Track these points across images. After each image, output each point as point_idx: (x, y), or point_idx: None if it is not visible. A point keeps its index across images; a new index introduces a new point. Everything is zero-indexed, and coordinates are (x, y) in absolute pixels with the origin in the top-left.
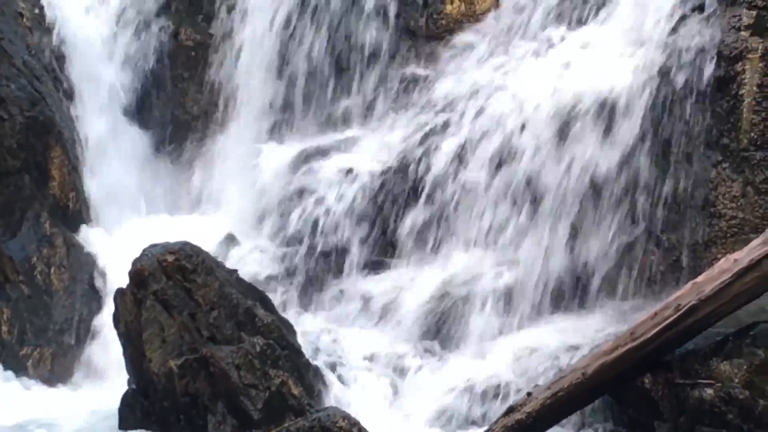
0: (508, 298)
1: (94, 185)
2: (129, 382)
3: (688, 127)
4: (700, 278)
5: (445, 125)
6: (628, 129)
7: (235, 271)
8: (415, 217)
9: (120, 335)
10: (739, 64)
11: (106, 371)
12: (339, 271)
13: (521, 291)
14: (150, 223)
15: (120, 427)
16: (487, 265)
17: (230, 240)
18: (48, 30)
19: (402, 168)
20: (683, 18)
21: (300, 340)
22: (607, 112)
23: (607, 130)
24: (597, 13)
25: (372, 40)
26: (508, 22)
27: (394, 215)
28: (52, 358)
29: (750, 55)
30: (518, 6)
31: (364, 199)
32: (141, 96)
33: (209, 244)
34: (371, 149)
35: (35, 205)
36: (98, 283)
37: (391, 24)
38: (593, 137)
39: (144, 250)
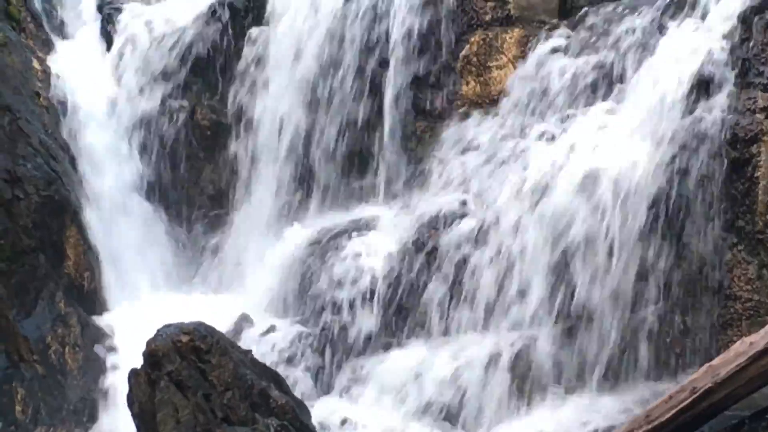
0: (523, 378)
1: (109, 264)
2: None
3: (703, 208)
4: (715, 361)
5: (461, 206)
6: (644, 210)
7: (250, 351)
8: (431, 297)
9: (134, 416)
10: (755, 146)
11: None
12: (354, 351)
13: (537, 371)
14: (164, 303)
15: None
16: (503, 345)
17: (245, 320)
18: (64, 109)
19: (419, 248)
20: (699, 99)
21: (314, 421)
22: (623, 194)
23: (622, 211)
24: (612, 94)
25: (389, 119)
26: (523, 103)
27: (410, 295)
28: None
29: (765, 138)
30: (533, 87)
31: (381, 278)
32: (157, 175)
33: (224, 324)
34: (388, 229)
35: (50, 285)
36: (112, 363)
37: (408, 104)
38: (608, 219)
39: (158, 331)
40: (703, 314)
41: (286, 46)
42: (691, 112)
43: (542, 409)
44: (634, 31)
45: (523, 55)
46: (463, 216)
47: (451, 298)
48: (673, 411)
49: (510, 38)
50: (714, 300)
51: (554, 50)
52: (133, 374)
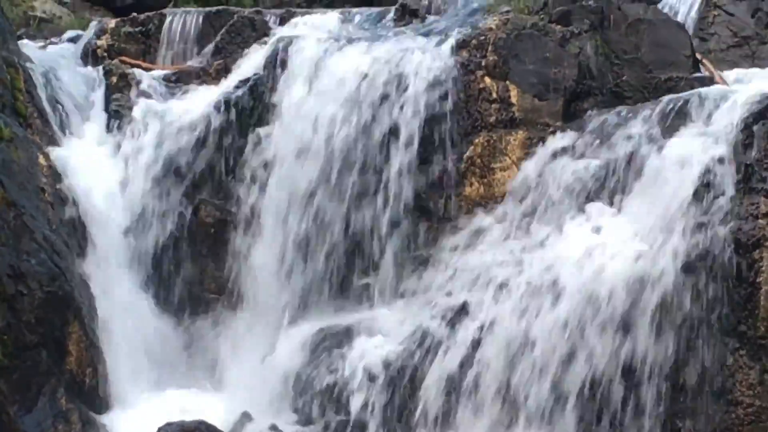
0: None
1: (111, 361)
2: None
3: (705, 313)
4: None
5: (463, 308)
6: (646, 315)
7: None
8: (431, 399)
9: None
10: (757, 251)
11: None
12: None
13: None
14: (166, 400)
15: None
16: None
17: (246, 418)
18: (69, 205)
19: (420, 349)
20: (701, 204)
21: None
22: (624, 298)
23: (624, 315)
24: (615, 199)
25: (391, 220)
26: (527, 205)
27: (413, 397)
28: None
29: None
30: (538, 189)
31: (383, 379)
32: (161, 272)
33: (225, 423)
34: (389, 330)
35: (52, 381)
36: None
37: (411, 205)
38: (609, 323)
39: (159, 429)
40: (704, 419)
41: (291, 146)
42: (693, 217)
43: None
44: (637, 135)
45: (526, 158)
46: (465, 319)
47: (452, 400)
48: None
49: (514, 140)
50: (715, 405)
51: (558, 153)
52: None
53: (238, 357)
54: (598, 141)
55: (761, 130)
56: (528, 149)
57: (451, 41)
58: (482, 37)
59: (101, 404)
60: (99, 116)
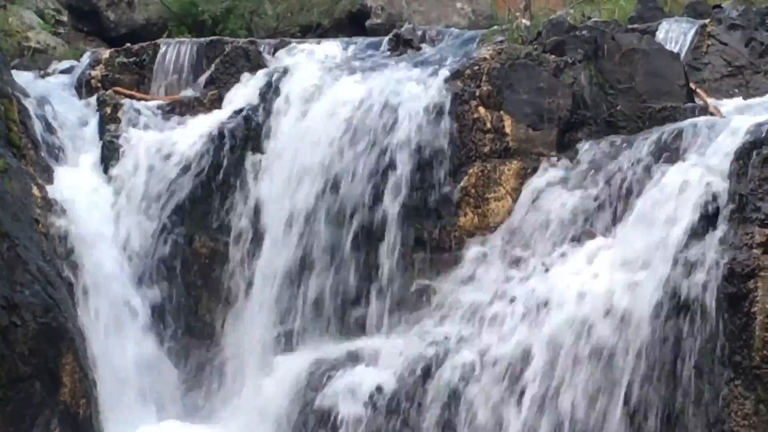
0: None
1: (105, 392)
2: None
3: (699, 343)
4: None
5: (459, 338)
6: (641, 343)
7: None
8: (427, 428)
9: None
10: (752, 281)
11: None
12: None
13: None
14: (163, 431)
15: None
16: None
17: None
18: (63, 236)
19: (416, 380)
20: (696, 235)
21: None
22: (618, 329)
23: (619, 346)
24: (610, 229)
25: (386, 251)
26: (520, 236)
27: (408, 426)
28: None
29: (762, 273)
30: (531, 220)
31: (380, 411)
32: (156, 302)
33: None
34: (385, 359)
35: (46, 412)
36: None
37: (407, 235)
38: (605, 353)
39: None
40: None
41: (285, 176)
42: (687, 246)
43: None
44: (631, 165)
45: (521, 188)
46: (460, 349)
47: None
48: None
49: (508, 170)
50: None
51: (551, 183)
52: None
53: (235, 387)
54: (592, 171)
55: (755, 160)
56: (522, 179)
57: (445, 71)
58: (476, 67)
59: None
60: (93, 147)
